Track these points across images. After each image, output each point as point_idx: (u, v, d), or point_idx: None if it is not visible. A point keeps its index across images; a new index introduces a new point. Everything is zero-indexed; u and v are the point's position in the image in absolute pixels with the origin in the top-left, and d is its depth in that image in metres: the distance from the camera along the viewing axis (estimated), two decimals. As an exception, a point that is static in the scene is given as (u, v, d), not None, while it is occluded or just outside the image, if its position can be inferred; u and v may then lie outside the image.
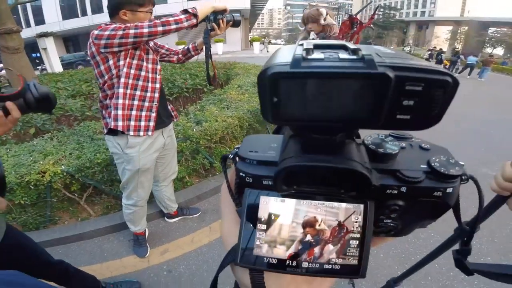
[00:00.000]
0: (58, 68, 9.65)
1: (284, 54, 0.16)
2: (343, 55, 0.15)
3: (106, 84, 1.38)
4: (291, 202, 0.21)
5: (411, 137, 0.25)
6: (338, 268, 0.21)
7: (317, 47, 0.17)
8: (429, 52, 16.28)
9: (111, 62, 1.32)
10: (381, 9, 46.65)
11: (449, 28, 41.84)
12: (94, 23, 22.77)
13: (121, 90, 1.37)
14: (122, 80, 1.36)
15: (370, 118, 0.16)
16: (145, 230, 1.94)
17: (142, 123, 1.46)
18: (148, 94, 1.45)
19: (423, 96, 0.15)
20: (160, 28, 1.27)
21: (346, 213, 0.21)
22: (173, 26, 1.29)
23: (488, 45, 34.34)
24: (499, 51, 33.80)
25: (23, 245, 1.17)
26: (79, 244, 2.03)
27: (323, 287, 0.25)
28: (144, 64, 1.40)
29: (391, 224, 0.23)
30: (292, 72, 0.15)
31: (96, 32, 1.27)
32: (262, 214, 0.21)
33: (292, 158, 0.19)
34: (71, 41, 26.56)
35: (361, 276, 0.21)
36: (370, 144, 0.22)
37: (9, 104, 0.75)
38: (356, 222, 0.21)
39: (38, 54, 11.33)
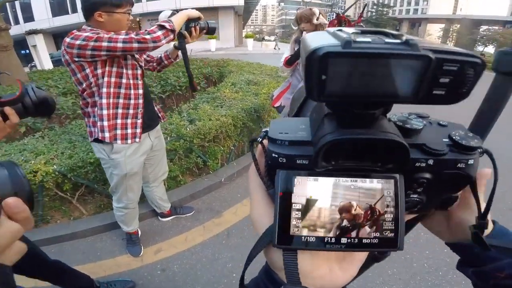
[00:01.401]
0: (48, 65, 9.46)
1: (323, 38, 0.17)
2: (388, 39, 0.17)
3: (85, 92, 1.34)
4: (326, 183, 0.22)
5: (428, 116, 0.26)
6: (376, 242, 0.22)
7: (362, 32, 0.18)
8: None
9: (88, 70, 1.28)
10: (374, 6, 46.80)
11: (441, 26, 42.25)
12: (84, 20, 22.35)
13: (104, 101, 1.33)
14: (104, 90, 1.32)
15: (410, 93, 0.17)
16: (137, 230, 1.95)
17: (129, 131, 1.44)
18: (132, 101, 1.42)
19: (457, 75, 0.17)
20: (135, 45, 1.22)
21: (378, 194, 0.22)
22: (151, 45, 1.24)
23: (479, 43, 34.75)
24: (490, 49, 34.24)
25: None
26: (72, 243, 2.02)
27: (353, 265, 0.25)
28: (124, 71, 1.36)
29: (417, 199, 0.24)
30: (345, 52, 0.16)
31: (67, 40, 1.22)
32: (297, 194, 0.22)
33: (331, 133, 0.20)
34: (61, 38, 25.50)
35: (399, 248, 0.22)
36: (396, 121, 0.24)
37: (7, 109, 0.74)
38: (389, 196, 0.22)
39: (28, 51, 11.09)
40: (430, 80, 0.17)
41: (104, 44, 1.18)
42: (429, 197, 0.24)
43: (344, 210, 0.22)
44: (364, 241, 0.22)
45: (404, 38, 0.17)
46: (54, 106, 0.84)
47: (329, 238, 0.22)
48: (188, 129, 2.36)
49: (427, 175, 0.22)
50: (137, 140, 1.47)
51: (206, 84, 4.40)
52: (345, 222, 0.22)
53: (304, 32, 2.23)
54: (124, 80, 1.36)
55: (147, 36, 1.23)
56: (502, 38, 29.73)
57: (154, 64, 1.67)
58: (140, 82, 1.44)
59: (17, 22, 22.97)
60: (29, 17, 23.13)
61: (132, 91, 1.41)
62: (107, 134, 1.37)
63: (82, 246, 2.00)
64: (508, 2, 53.98)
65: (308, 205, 0.22)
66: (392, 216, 0.21)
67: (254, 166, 0.26)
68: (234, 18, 23.14)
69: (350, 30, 0.18)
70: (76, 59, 1.24)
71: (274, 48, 19.17)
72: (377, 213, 0.22)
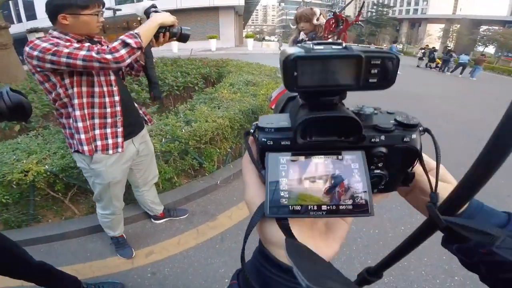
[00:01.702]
0: (48, 63, 9.43)
1: (295, 48, 0.24)
2: (335, 46, 0.24)
3: (57, 103, 1.26)
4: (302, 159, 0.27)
5: (379, 108, 0.31)
6: (351, 208, 0.25)
7: (319, 43, 0.24)
8: (422, 50, 16.34)
9: (54, 80, 1.19)
10: (374, 7, 46.74)
11: (441, 26, 42.05)
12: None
13: (77, 113, 1.25)
14: (76, 101, 1.23)
15: (353, 82, 0.24)
16: (122, 233, 1.90)
17: (110, 141, 1.36)
18: (108, 110, 1.33)
19: (382, 67, 0.24)
20: (96, 64, 1.12)
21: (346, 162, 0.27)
22: (113, 65, 1.14)
23: (479, 43, 34.62)
24: (490, 49, 34.15)
25: (1, 248, 1.15)
26: (62, 243, 1.99)
27: (336, 242, 0.29)
28: (95, 78, 1.26)
29: (380, 174, 0.28)
30: (307, 56, 0.23)
31: (27, 49, 1.12)
32: (283, 170, 0.26)
33: (304, 115, 0.26)
34: None
35: (371, 213, 0.25)
36: (353, 110, 0.29)
37: None
38: (356, 169, 0.26)
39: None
40: (365, 72, 0.23)
41: (63, 60, 1.09)
42: (390, 172, 0.29)
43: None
44: (341, 207, 0.25)
45: (344, 45, 0.24)
46: (30, 110, 0.81)
47: (312, 206, 0.25)
48: (183, 130, 2.33)
49: (383, 149, 0.27)
50: (119, 150, 1.39)
51: (204, 85, 4.37)
52: (337, 172, 0.27)
53: (302, 32, 2.20)
54: (96, 89, 1.27)
55: (108, 56, 1.11)
56: (502, 38, 29.61)
57: (128, 68, 1.54)
58: (115, 88, 1.34)
59: (19, 20, 23.03)
60: (31, 15, 23.18)
61: (107, 99, 1.31)
62: (86, 148, 1.30)
63: (73, 247, 1.97)
64: (508, 2, 53.81)
65: (307, 159, 0.27)
66: (361, 185, 0.25)
67: (247, 154, 0.30)
68: (235, 18, 23.13)
69: (313, 43, 0.25)
70: (39, 69, 1.16)
71: (279, 49, 19.12)
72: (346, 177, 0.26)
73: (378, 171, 0.28)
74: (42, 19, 22.14)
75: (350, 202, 0.25)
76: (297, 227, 0.26)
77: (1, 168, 1.83)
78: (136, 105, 1.60)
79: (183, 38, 1.38)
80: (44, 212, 2.12)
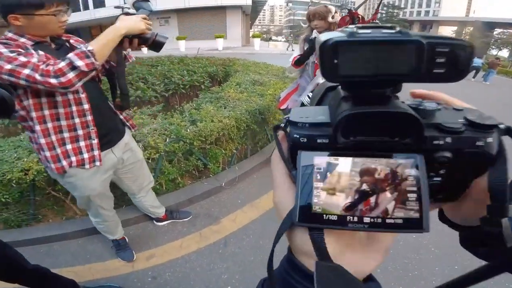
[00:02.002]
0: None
1: (333, 34, 0.21)
2: (386, 30, 0.20)
3: (16, 115, 1.11)
4: (346, 161, 0.23)
5: (441, 103, 0.26)
6: (401, 222, 0.21)
7: (361, 27, 0.21)
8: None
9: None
10: (384, 8, 46.20)
11: (453, 29, 41.35)
12: (95, 17, 22.69)
13: (37, 128, 1.09)
14: (33, 114, 1.07)
15: (411, 72, 0.20)
16: (124, 236, 1.84)
17: (85, 156, 1.22)
18: (77, 120, 1.17)
19: (451, 56, 0.20)
20: (41, 87, 0.96)
21: (399, 165, 0.22)
22: (61, 90, 0.99)
23: (493, 46, 33.88)
24: (504, 53, 33.37)
25: None
26: (62, 244, 1.95)
27: (379, 253, 0.25)
28: None
29: (441, 181, 0.23)
30: (349, 41, 0.20)
31: None
32: (318, 172, 0.23)
33: (348, 110, 0.22)
34: (72, 34, 26.45)
35: (425, 229, 0.21)
36: (410, 104, 0.24)
37: None
38: (411, 175, 0.22)
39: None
40: (428, 60, 0.20)
41: (5, 77, 0.94)
42: (453, 180, 0.24)
43: (367, 173, 0.22)
44: (388, 221, 0.22)
45: (397, 29, 0.20)
46: (13, 105, 0.74)
47: (351, 217, 0.22)
48: (188, 130, 2.26)
49: (447, 154, 0.22)
50: (97, 164, 1.26)
51: (211, 84, 4.31)
52: (364, 186, 0.22)
53: (314, 31, 2.11)
54: (59, 98, 1.09)
55: (53, 81, 0.94)
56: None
57: (102, 70, 1.35)
58: (82, 95, 1.16)
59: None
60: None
61: (74, 108, 1.14)
62: (53, 166, 1.16)
63: (73, 248, 1.92)
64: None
65: (329, 168, 0.23)
66: (415, 195, 0.21)
67: (277, 152, 0.27)
68: (242, 17, 23.11)
69: (356, 26, 0.21)
70: None
71: (287, 49, 18.94)
72: (400, 178, 0.22)
73: (438, 178, 0.24)
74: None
75: (400, 214, 0.22)
76: (333, 234, 0.23)
77: (1, 167, 1.79)
78: (115, 110, 1.43)
79: (156, 45, 1.19)
80: (45, 212, 2.08)
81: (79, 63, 0.97)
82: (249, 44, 24.27)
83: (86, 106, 1.19)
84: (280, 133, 0.27)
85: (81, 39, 1.36)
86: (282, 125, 0.27)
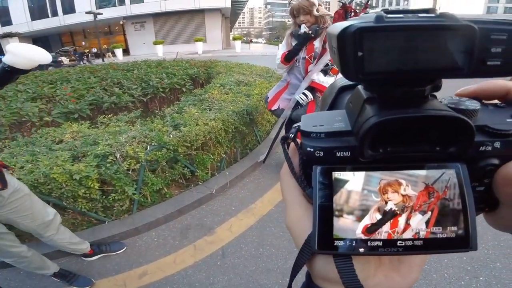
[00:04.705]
0: (24, 70, 8.99)
1: (353, 20, 0.16)
2: (423, 14, 0.16)
3: None
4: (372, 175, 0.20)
5: (480, 100, 0.22)
6: (442, 242, 0.19)
7: (389, 12, 0.17)
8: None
9: None
10: (358, 7, 47.92)
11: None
12: (65, 23, 21.76)
13: None
14: None
15: (459, 65, 0.16)
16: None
17: None
18: None
19: (510, 44, 0.16)
20: None
21: (434, 177, 0.19)
22: None
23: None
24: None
25: None
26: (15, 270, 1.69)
27: (413, 269, 0.21)
28: None
29: (483, 189, 0.20)
30: (378, 27, 0.16)
31: None
32: (339, 191, 0.20)
33: (376, 116, 0.18)
34: (41, 42, 25.40)
35: (472, 247, 0.18)
36: (448, 103, 0.20)
37: None
38: (452, 189, 0.19)
39: (2, 56, 10.56)
40: (480, 50, 0.16)
41: None
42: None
43: (390, 189, 0.19)
44: (428, 241, 0.19)
45: (438, 12, 0.16)
46: None
47: (379, 241, 0.19)
48: (171, 136, 2.09)
49: (495, 161, 0.19)
50: None
51: (192, 86, 4.14)
52: (390, 205, 0.19)
53: (303, 25, 2.02)
54: None
55: None
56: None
57: None
58: None
59: (-6, 25, 22.12)
60: (7, 21, 22.44)
61: None
62: None
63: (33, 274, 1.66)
64: (483, 1, 56.20)
65: (336, 186, 0.20)
66: (459, 210, 0.19)
67: (286, 166, 0.24)
68: (221, 20, 23.02)
69: (383, 10, 0.17)
70: None
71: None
72: (435, 196, 0.19)
73: (481, 188, 0.20)
74: (18, 25, 21.46)
75: (440, 233, 0.19)
76: (359, 259, 0.20)
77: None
78: None
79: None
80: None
81: None
82: (230, 47, 24.18)
83: None
84: (291, 145, 0.24)
85: None
86: (292, 135, 0.23)
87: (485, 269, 1.64)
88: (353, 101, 0.22)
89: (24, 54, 1.02)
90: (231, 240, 1.92)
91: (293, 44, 2.09)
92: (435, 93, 0.20)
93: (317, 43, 2.05)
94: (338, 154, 0.20)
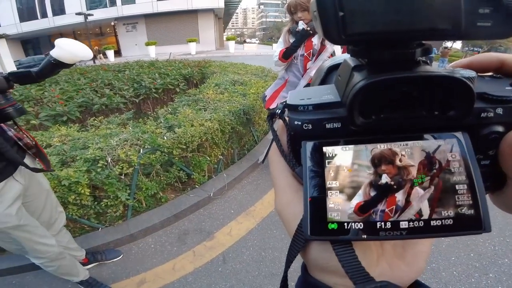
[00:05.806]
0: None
1: None
2: None
3: None
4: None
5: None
6: (450, 223, 0.16)
7: None
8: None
9: None
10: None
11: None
12: (55, 25, 21.39)
13: None
14: None
15: (449, 25, 0.15)
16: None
17: None
18: None
19: (497, 5, 0.15)
20: None
21: (434, 147, 0.17)
22: None
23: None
24: (457, 44, 35.93)
25: None
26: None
27: (419, 258, 0.20)
28: None
29: (488, 163, 0.18)
30: None
31: None
32: (330, 168, 0.18)
33: (365, 79, 0.17)
34: (31, 43, 24.92)
35: (485, 229, 0.16)
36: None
37: None
38: (455, 160, 0.17)
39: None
40: (468, 11, 0.15)
41: None
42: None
43: (383, 160, 0.17)
44: (434, 223, 0.17)
45: None
46: None
47: (383, 224, 0.17)
48: (165, 138, 2.00)
49: (499, 128, 0.18)
50: None
51: (186, 86, 4.05)
52: (384, 179, 0.17)
53: (301, 22, 1.97)
54: None
55: None
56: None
57: None
58: None
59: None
60: (-6, 23, 21.87)
61: None
62: None
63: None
64: None
65: (322, 163, 0.18)
66: (465, 186, 0.16)
67: (275, 146, 0.22)
68: (215, 21, 22.91)
69: None
70: None
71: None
72: (438, 167, 0.17)
73: (486, 161, 0.18)
74: (6, 26, 20.99)
75: (447, 213, 0.16)
76: (359, 246, 0.18)
77: None
78: (10, 133, 1.17)
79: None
80: None
81: None
82: (224, 48, 24.08)
83: None
84: (279, 123, 0.21)
85: None
86: (278, 111, 0.21)
87: (494, 265, 1.61)
88: (341, 73, 0.21)
89: (70, 49, 1.06)
90: (231, 244, 1.85)
91: (291, 41, 2.03)
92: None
93: (315, 40, 2.00)
94: (328, 125, 0.18)
